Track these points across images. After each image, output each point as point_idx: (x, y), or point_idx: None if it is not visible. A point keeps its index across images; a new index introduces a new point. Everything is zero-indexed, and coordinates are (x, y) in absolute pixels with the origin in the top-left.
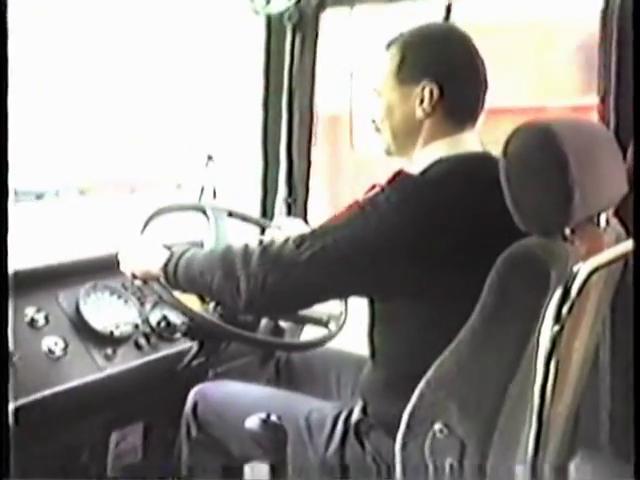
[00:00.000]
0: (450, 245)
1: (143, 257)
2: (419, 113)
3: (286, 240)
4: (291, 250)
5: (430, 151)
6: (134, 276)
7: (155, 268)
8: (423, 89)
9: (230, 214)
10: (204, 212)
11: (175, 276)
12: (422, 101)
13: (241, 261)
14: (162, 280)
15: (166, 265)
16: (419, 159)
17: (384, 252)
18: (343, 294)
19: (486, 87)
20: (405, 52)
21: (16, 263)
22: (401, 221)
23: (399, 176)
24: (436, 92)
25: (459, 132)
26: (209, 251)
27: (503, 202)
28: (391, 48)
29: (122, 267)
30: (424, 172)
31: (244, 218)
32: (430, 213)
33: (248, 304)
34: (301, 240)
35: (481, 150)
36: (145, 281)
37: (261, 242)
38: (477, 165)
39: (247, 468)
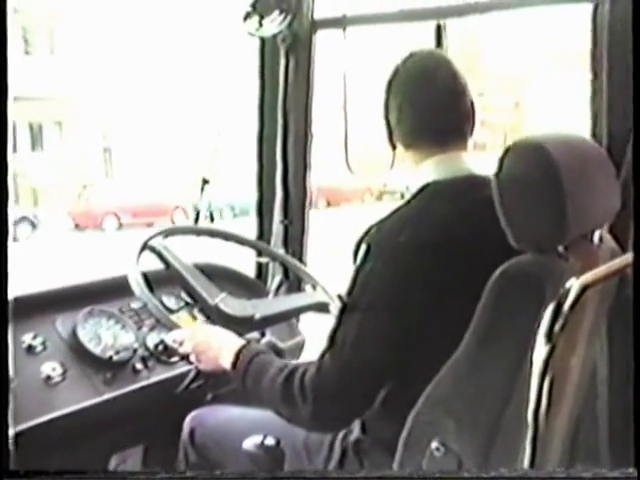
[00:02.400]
0: (439, 272)
1: (215, 347)
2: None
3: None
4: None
5: (426, 168)
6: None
7: (226, 362)
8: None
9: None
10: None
11: (244, 379)
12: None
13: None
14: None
15: (235, 363)
16: (414, 174)
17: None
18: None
19: (471, 106)
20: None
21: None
22: (398, 262)
23: (371, 239)
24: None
25: (449, 151)
26: (275, 369)
27: (492, 221)
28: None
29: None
30: (409, 200)
31: (238, 240)
32: (421, 243)
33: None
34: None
35: (472, 171)
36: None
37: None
38: (474, 187)
39: None
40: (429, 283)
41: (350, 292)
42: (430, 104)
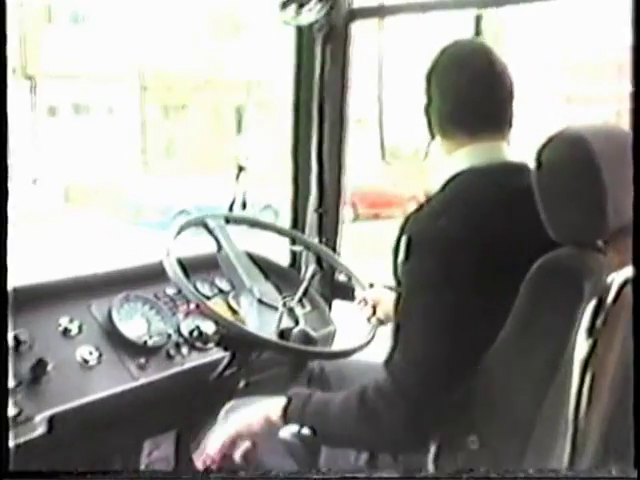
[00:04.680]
0: (476, 259)
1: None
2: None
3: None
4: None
5: (459, 156)
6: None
7: (275, 415)
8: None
9: (227, 221)
10: (205, 225)
11: (303, 413)
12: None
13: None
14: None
15: (287, 408)
16: (447, 166)
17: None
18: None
19: (509, 95)
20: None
21: (48, 274)
22: (444, 255)
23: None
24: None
25: (484, 141)
26: (328, 405)
27: (527, 209)
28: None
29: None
30: (444, 187)
31: (267, 227)
32: (447, 250)
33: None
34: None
35: (508, 159)
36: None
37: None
38: (509, 175)
39: None
40: (471, 270)
41: (401, 290)
42: (465, 92)
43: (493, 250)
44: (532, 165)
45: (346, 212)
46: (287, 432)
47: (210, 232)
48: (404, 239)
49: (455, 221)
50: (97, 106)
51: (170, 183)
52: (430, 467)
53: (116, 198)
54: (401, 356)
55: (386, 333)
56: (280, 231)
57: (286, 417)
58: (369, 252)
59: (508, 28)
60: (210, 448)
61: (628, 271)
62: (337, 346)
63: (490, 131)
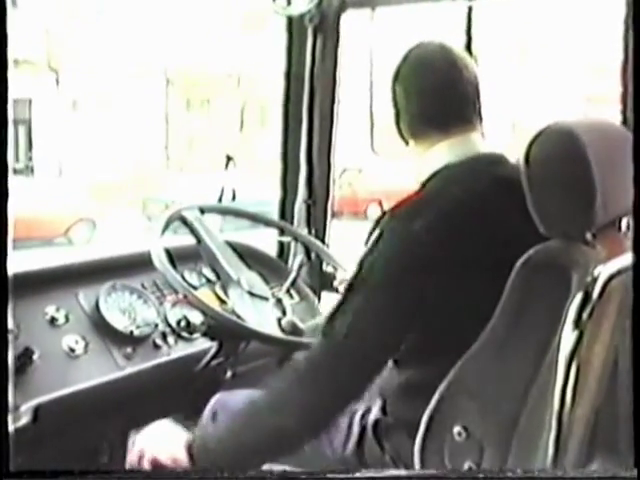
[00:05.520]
0: (460, 257)
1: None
2: None
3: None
4: (325, 346)
5: (434, 155)
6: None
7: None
8: None
9: (202, 211)
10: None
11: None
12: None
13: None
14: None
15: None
16: (423, 165)
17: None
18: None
19: (475, 89)
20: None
21: (36, 263)
22: (414, 248)
23: (384, 218)
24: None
25: (456, 135)
26: (230, 433)
27: (515, 203)
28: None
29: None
30: (424, 184)
31: (255, 218)
32: (433, 230)
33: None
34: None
35: (490, 151)
36: None
37: None
38: (485, 166)
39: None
40: (444, 270)
41: (357, 273)
42: (431, 91)
43: (473, 247)
44: (516, 158)
45: (372, 211)
46: None
47: (188, 225)
48: (376, 233)
49: (431, 225)
50: (121, 100)
51: (195, 178)
52: (417, 458)
53: (142, 193)
54: (332, 325)
55: None
56: (270, 222)
57: (192, 457)
58: None
59: (530, 28)
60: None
61: (615, 265)
62: None
63: (460, 125)
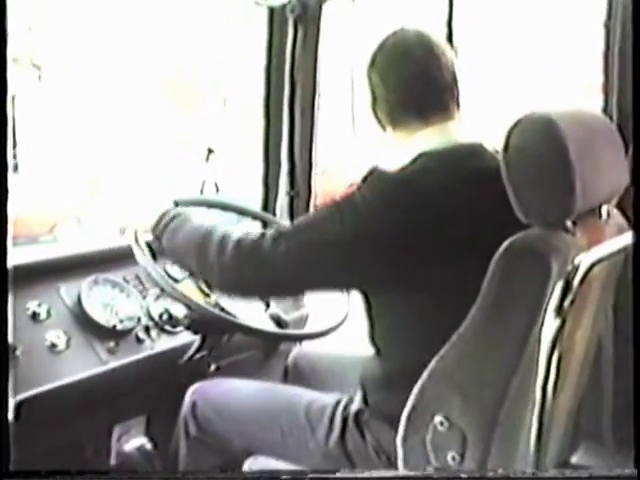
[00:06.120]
0: (431, 239)
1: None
2: None
3: (263, 234)
4: (268, 245)
5: (413, 144)
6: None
7: (147, 222)
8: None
9: (176, 204)
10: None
11: (160, 241)
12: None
13: (216, 249)
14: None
15: (156, 226)
16: (403, 152)
17: (359, 249)
18: (316, 288)
19: (452, 77)
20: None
21: (17, 257)
22: (374, 218)
23: (373, 173)
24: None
25: (434, 124)
26: (194, 227)
27: (493, 193)
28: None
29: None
30: (404, 168)
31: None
32: (405, 209)
33: (223, 292)
34: (278, 235)
35: (468, 141)
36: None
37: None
38: (462, 157)
39: (248, 463)
40: (410, 252)
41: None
42: (410, 79)
43: (442, 234)
44: (491, 144)
45: None
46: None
47: None
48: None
49: (404, 216)
50: (105, 97)
51: (180, 173)
52: (399, 448)
53: (126, 187)
54: (277, 234)
55: (358, 318)
56: (253, 214)
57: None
58: None
59: (529, 20)
60: None
61: (596, 253)
62: (310, 329)
63: (439, 113)
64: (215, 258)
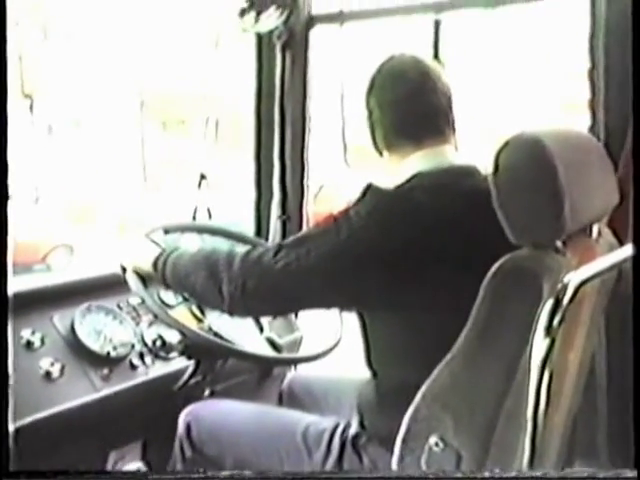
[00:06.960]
0: (425, 256)
1: (136, 253)
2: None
3: (268, 247)
4: (268, 258)
5: (408, 166)
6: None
7: (146, 265)
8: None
9: (166, 231)
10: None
11: (164, 275)
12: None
13: (224, 263)
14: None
15: (155, 263)
16: (398, 174)
17: (353, 264)
18: (315, 305)
19: (447, 101)
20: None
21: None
22: (370, 234)
23: (369, 190)
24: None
25: (428, 147)
26: (196, 251)
27: (486, 214)
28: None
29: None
30: (399, 186)
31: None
32: (398, 224)
33: (230, 306)
34: (278, 249)
35: (462, 163)
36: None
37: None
38: (455, 178)
39: None
40: (408, 259)
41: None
42: (405, 103)
43: (441, 252)
44: (484, 168)
45: None
46: None
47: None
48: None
49: (398, 232)
50: (95, 123)
51: (172, 198)
52: (394, 470)
53: (118, 214)
54: (277, 247)
55: (352, 341)
56: (244, 239)
57: (154, 271)
58: None
59: (506, 34)
60: None
61: (585, 271)
62: (304, 353)
63: (434, 137)
64: (225, 271)
